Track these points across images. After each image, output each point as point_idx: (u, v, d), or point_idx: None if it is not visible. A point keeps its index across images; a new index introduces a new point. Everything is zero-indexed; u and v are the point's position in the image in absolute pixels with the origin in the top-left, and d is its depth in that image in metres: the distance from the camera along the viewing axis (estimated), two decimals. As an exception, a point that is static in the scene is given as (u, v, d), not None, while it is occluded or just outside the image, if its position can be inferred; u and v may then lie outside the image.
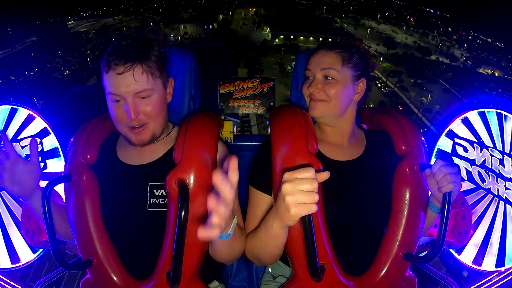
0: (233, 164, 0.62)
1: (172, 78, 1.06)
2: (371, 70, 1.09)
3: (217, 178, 0.60)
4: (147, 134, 0.96)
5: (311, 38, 48.17)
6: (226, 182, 0.61)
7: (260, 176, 0.99)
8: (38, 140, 1.22)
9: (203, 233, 0.59)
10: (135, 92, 0.90)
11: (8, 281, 1.17)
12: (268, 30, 53.06)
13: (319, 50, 1.06)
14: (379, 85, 36.44)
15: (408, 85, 36.20)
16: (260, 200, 0.98)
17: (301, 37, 48.63)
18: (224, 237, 0.78)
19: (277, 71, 35.25)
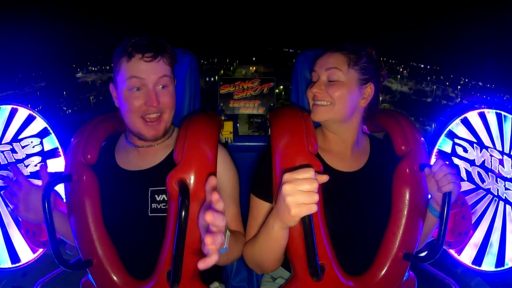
0: (215, 197, 0.62)
1: (175, 78, 1.07)
2: (382, 80, 1.03)
3: (209, 216, 0.60)
4: (161, 127, 0.97)
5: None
6: (218, 215, 0.61)
7: (262, 184, 0.98)
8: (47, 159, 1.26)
9: (203, 265, 0.60)
10: (157, 78, 0.92)
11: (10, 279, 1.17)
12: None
13: (326, 51, 1.02)
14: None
15: None
16: (262, 208, 0.97)
17: None
18: (220, 252, 0.80)
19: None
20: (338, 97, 0.95)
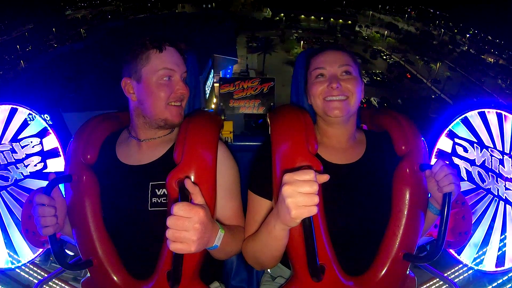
0: (194, 189, 0.79)
1: None
2: None
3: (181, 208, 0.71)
4: (183, 113, 1.04)
5: (313, 17, 47.74)
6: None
7: (259, 181, 0.98)
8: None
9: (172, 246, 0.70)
10: (183, 71, 1.03)
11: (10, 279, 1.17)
12: (268, 10, 52.69)
13: (326, 50, 1.05)
14: (384, 57, 36.36)
15: (413, 59, 35.99)
16: (260, 205, 0.98)
17: (302, 16, 48.19)
18: (211, 249, 0.83)
19: (278, 41, 35.39)
20: (353, 90, 0.99)
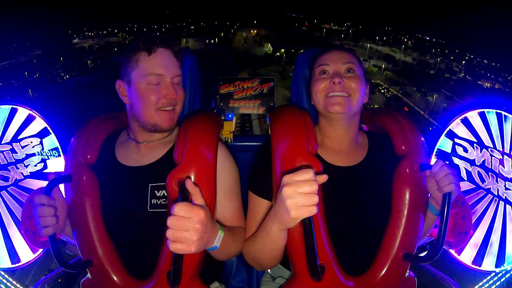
0: (194, 190, 0.80)
1: None
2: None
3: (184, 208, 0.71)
4: (175, 118, 1.01)
5: None
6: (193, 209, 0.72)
7: (259, 181, 0.98)
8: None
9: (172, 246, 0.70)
10: (174, 75, 0.98)
11: (9, 279, 1.17)
12: (269, 45, 53.70)
13: (332, 49, 1.05)
14: (382, 90, 36.85)
15: (411, 92, 36.75)
16: (260, 206, 0.97)
17: (302, 50, 49.88)
18: (211, 249, 0.83)
19: (279, 78, 35.46)
20: (356, 89, 0.97)
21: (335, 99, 0.96)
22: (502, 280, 1.17)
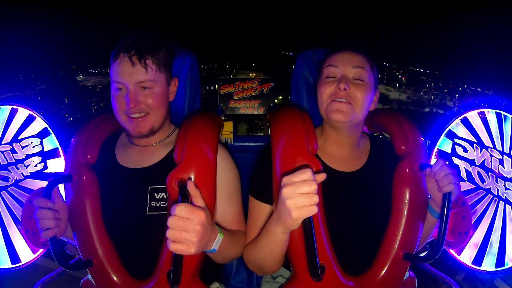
0: (194, 192, 0.79)
1: (176, 78, 1.07)
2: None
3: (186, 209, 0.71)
4: (146, 126, 0.97)
5: None
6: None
7: (260, 186, 0.97)
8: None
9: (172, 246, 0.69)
10: (137, 82, 0.92)
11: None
12: None
13: (343, 49, 0.99)
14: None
15: None
16: (261, 210, 0.97)
17: None
18: (209, 252, 0.83)
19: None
20: (361, 98, 0.92)
21: (337, 105, 0.92)
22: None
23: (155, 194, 0.96)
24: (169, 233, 0.69)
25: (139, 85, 0.93)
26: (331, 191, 0.91)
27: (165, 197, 0.95)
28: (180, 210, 0.70)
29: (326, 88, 0.95)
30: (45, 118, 1.25)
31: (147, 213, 0.94)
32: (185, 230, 0.70)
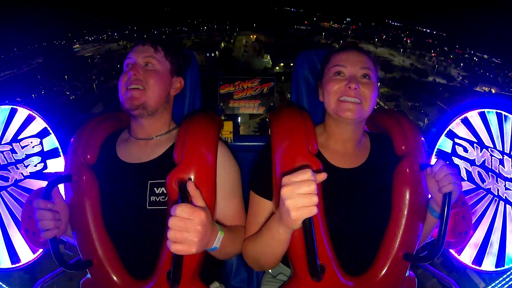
0: (195, 192, 0.79)
1: (182, 78, 1.11)
2: None
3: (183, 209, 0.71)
4: (140, 99, 0.99)
5: None
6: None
7: (261, 181, 0.98)
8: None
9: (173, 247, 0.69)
10: (144, 56, 1.02)
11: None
12: (269, 57, 53.91)
13: (348, 49, 1.01)
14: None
15: (405, 109, 37.00)
16: (262, 206, 0.97)
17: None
18: (210, 250, 0.83)
19: (278, 99, 35.68)
20: (369, 96, 0.95)
21: (347, 105, 0.94)
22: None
23: (155, 188, 0.96)
24: (170, 234, 0.69)
25: (144, 60, 1.02)
26: (333, 187, 0.91)
27: (164, 191, 0.95)
28: (181, 210, 0.70)
29: (334, 85, 0.97)
30: (45, 117, 1.25)
31: (147, 207, 0.95)
32: (186, 231, 0.70)
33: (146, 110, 1.00)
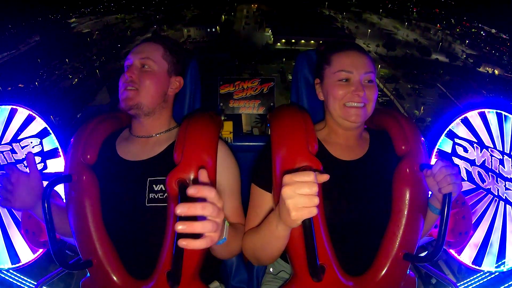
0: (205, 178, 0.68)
1: (181, 77, 1.12)
2: None
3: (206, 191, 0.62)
4: (133, 100, 1.01)
5: (312, 41, 48.25)
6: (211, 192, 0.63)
7: (263, 174, 0.98)
8: (35, 146, 1.26)
9: (185, 243, 0.59)
10: (140, 58, 1.04)
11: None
12: (270, 32, 53.22)
13: (350, 50, 1.02)
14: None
15: (404, 93, 36.73)
16: (263, 198, 0.97)
17: (302, 41, 48.98)
18: (220, 243, 0.80)
19: (279, 80, 34.86)
20: (373, 98, 0.99)
21: (353, 110, 0.97)
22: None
23: (154, 185, 0.96)
24: (205, 228, 0.63)
25: (140, 62, 1.04)
26: (334, 179, 0.91)
27: (163, 189, 0.95)
28: (207, 210, 0.63)
29: (339, 90, 0.99)
30: (44, 117, 1.25)
31: (146, 205, 0.95)
32: (214, 229, 0.64)
33: (141, 110, 1.02)
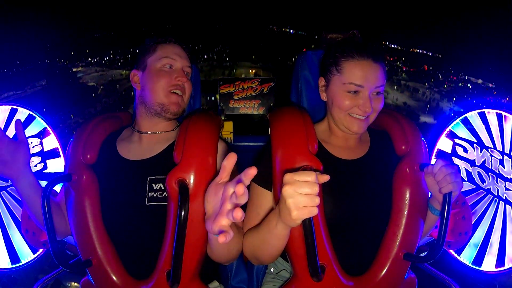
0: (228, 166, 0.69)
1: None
2: None
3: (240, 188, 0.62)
4: (181, 106, 1.06)
5: None
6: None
7: (263, 172, 0.97)
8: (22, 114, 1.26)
9: (224, 239, 0.58)
10: (186, 64, 1.08)
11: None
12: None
13: (365, 59, 0.95)
14: None
15: None
16: (263, 197, 0.97)
17: None
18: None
19: None
20: (379, 109, 0.98)
21: (357, 122, 0.97)
22: None
23: (153, 184, 0.96)
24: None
25: (186, 70, 1.08)
26: (335, 178, 0.91)
27: (162, 187, 0.96)
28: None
29: (345, 101, 0.96)
30: (44, 117, 1.25)
31: (146, 203, 0.95)
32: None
33: (179, 115, 1.07)
